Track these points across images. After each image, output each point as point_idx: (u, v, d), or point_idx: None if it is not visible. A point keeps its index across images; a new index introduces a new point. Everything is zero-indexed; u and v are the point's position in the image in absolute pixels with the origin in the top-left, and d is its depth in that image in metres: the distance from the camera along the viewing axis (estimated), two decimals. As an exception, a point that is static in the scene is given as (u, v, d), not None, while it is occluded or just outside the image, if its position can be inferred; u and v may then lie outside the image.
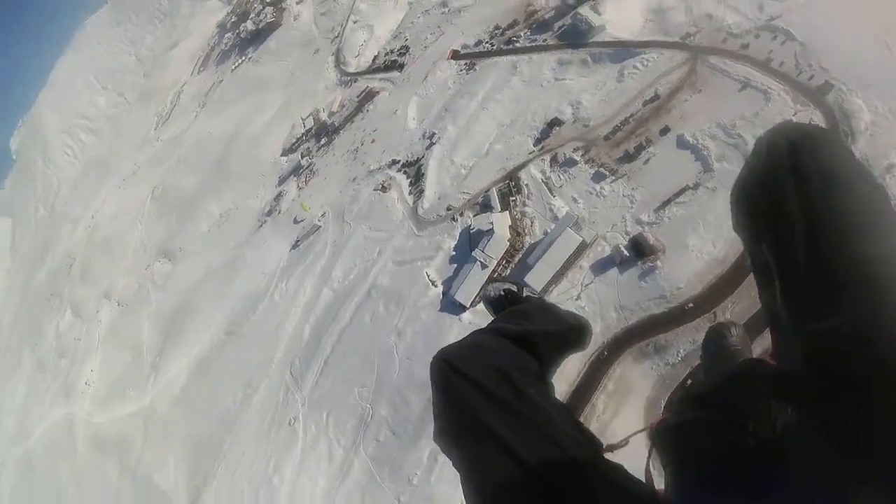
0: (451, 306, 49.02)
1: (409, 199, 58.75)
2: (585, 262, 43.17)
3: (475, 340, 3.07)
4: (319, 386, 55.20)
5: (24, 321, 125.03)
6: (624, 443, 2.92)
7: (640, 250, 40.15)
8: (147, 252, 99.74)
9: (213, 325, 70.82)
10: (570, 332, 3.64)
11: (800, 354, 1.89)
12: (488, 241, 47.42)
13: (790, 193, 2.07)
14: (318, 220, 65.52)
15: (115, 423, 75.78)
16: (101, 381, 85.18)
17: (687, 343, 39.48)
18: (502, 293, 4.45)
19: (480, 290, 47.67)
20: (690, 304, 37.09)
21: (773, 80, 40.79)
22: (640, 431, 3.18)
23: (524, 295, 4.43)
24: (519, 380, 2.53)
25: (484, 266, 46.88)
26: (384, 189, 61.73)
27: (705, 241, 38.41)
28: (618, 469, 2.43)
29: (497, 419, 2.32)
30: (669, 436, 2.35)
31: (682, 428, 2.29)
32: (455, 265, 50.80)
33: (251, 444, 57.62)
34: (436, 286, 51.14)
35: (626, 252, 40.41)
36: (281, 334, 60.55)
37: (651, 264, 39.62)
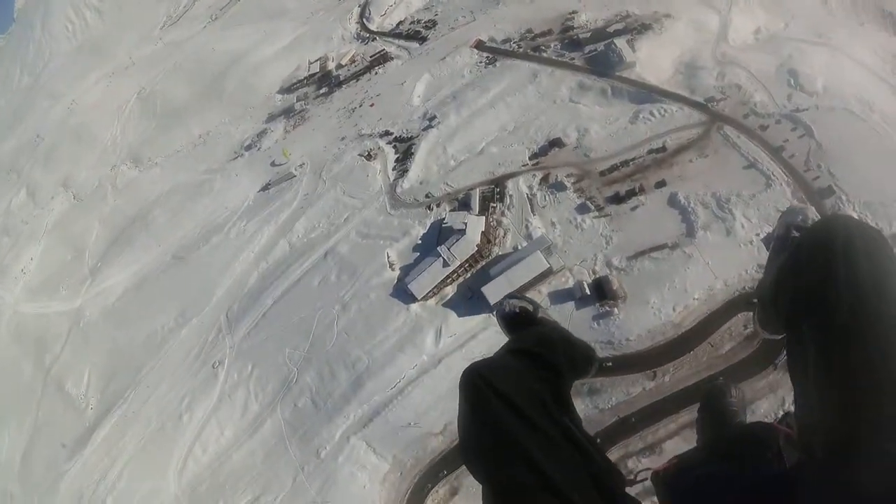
0: (403, 294, 47.90)
1: (391, 175, 57.20)
2: (545, 288, 42.72)
3: (509, 361, 3.13)
4: (251, 336, 53.63)
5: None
6: (636, 481, 3.15)
7: (601, 292, 40.22)
8: (117, 152, 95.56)
9: (163, 245, 68.24)
10: (584, 361, 3.92)
11: (823, 431, 2.17)
12: (457, 240, 46.35)
13: (841, 286, 2.22)
14: (295, 170, 63.29)
15: (40, 318, 72.68)
16: (37, 271, 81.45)
17: (620, 393, 39.57)
18: (517, 311, 4.51)
19: (435, 287, 46.78)
20: (609, 363, 37.65)
21: (779, 168, 40.97)
22: (646, 470, 3.34)
23: (539, 315, 4.51)
24: (554, 407, 2.70)
25: (446, 264, 45.82)
26: (369, 157, 59.80)
27: (666, 302, 38.45)
28: None
29: (534, 444, 2.43)
30: (682, 481, 2.86)
31: (700, 479, 2.79)
32: (418, 254, 49.56)
33: (170, 375, 55.99)
34: (393, 269, 49.89)
35: (587, 290, 40.41)
36: (227, 274, 58.64)
37: (608, 309, 39.73)
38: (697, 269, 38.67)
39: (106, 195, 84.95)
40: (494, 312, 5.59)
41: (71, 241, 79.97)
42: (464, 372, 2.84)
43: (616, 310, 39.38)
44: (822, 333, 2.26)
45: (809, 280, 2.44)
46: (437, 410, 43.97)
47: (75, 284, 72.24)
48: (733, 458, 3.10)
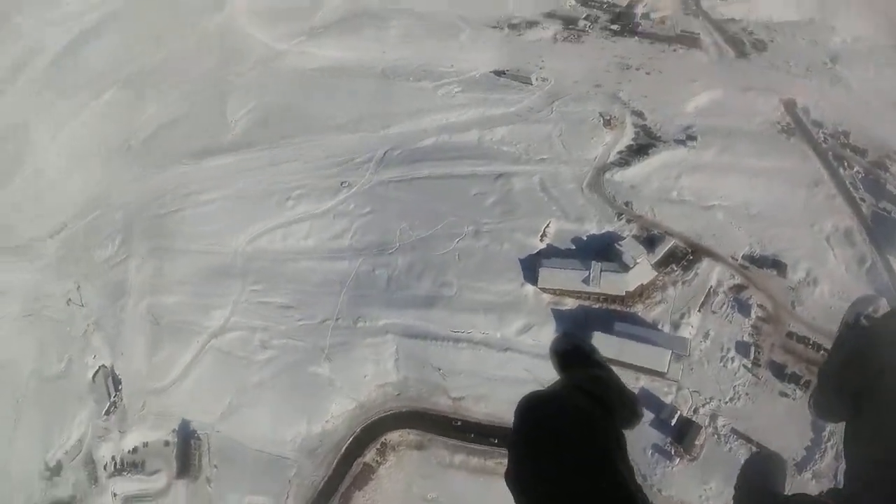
0: (529, 269, 45.03)
1: (613, 156, 51.46)
2: (644, 382, 38.35)
3: (570, 398, 3.29)
4: (389, 187, 53.33)
5: None
6: None
7: (682, 434, 36.43)
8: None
9: (385, 53, 67.68)
10: (632, 413, 4.37)
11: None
12: (615, 271, 41.89)
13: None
14: (535, 80, 59.77)
15: (245, 36, 74.29)
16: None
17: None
18: (571, 349, 4.73)
19: (559, 290, 42.95)
20: None
21: None
22: None
23: (594, 358, 4.64)
24: (611, 454, 2.74)
25: (585, 282, 41.36)
26: (607, 122, 54.74)
27: (717, 497, 35.09)
28: None
29: (578, 487, 2.48)
30: None
31: None
32: (573, 248, 44.99)
33: (305, 161, 57.43)
34: (541, 241, 46.02)
35: (673, 421, 36.97)
36: (411, 119, 58.17)
37: (674, 453, 36.24)
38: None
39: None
40: (551, 346, 5.26)
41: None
42: (522, 400, 2.96)
43: (678, 461, 35.92)
44: (887, 420, 2.49)
45: (878, 369, 2.74)
46: (467, 380, 43.26)
47: (291, 32, 73.92)
48: None
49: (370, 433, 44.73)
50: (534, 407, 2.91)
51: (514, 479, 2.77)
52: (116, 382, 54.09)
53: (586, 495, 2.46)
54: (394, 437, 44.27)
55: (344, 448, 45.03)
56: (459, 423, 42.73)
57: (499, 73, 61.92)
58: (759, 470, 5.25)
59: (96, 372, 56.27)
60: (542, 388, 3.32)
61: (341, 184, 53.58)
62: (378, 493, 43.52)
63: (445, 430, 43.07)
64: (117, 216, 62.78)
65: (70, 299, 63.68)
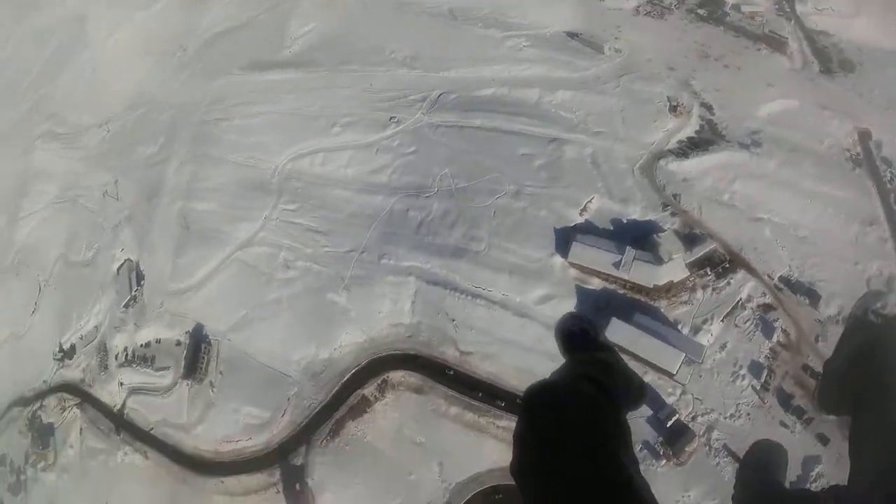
0: (562, 239, 44.51)
1: (671, 144, 49.08)
2: (651, 378, 38.07)
3: (575, 385, 3.29)
4: (437, 131, 52.79)
5: None
6: None
7: (675, 438, 36.48)
8: None
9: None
10: (637, 397, 4.31)
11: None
12: (648, 262, 41.12)
13: None
14: (608, 50, 56.92)
15: None
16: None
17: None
18: (577, 332, 4.72)
19: (588, 267, 41.81)
20: None
21: None
22: None
23: (600, 340, 4.70)
24: (616, 446, 2.77)
25: (615, 265, 41.04)
26: (673, 108, 52.24)
27: (696, 500, 35.54)
28: None
29: (595, 480, 2.51)
30: None
31: None
32: (610, 228, 43.55)
33: (355, 90, 56.24)
34: (581, 215, 44.83)
35: (670, 422, 37.09)
36: (472, 66, 56.15)
37: (662, 453, 36.51)
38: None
39: None
40: (557, 327, 5.18)
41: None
42: (528, 389, 2.92)
43: (664, 462, 36.22)
44: (892, 417, 2.48)
45: (888, 368, 2.69)
46: (478, 337, 43.17)
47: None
48: None
49: (374, 369, 45.13)
50: (540, 397, 2.88)
51: (519, 470, 2.77)
52: (139, 278, 55.25)
53: (588, 480, 2.46)
54: (396, 376, 44.51)
55: (346, 378, 45.54)
56: (452, 373, 43.00)
57: (571, 35, 59.24)
58: (761, 459, 5.27)
59: (121, 265, 57.57)
60: (547, 378, 3.36)
61: (390, 119, 52.66)
62: (370, 426, 44.06)
63: (447, 379, 43.17)
64: (163, 117, 63.15)
65: (106, 192, 64.81)
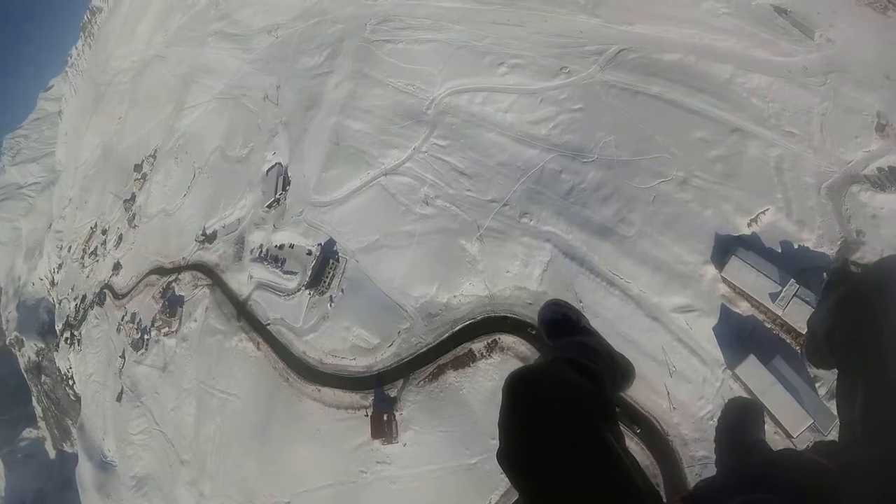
0: (720, 248, 39.54)
1: (869, 170, 41.56)
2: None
3: (558, 371, 3.20)
4: (611, 88, 47.90)
5: None
6: None
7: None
8: None
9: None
10: (623, 378, 4.38)
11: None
12: (808, 302, 32.07)
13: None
14: (818, 39, 47.44)
15: None
16: None
17: None
18: (560, 317, 4.67)
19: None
20: (638, 430, 32.28)
21: None
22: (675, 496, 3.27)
23: (581, 325, 4.65)
24: (601, 424, 2.71)
25: (772, 297, 36.35)
26: (882, 128, 43.48)
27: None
28: None
29: (579, 461, 2.48)
30: None
31: None
32: (777, 249, 40.01)
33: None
34: (749, 225, 41.07)
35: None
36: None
37: None
38: None
39: None
40: (539, 316, 5.21)
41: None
42: (509, 377, 2.80)
43: None
44: (877, 373, 2.48)
45: (867, 318, 2.66)
46: (600, 326, 35.91)
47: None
48: (770, 487, 3.14)
49: (487, 326, 44.05)
50: (522, 383, 2.74)
51: (505, 458, 2.69)
52: (286, 182, 57.79)
53: (576, 466, 2.44)
54: (508, 340, 43.33)
55: (458, 327, 44.89)
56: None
57: (779, 11, 51.29)
58: (736, 415, 5.43)
59: (272, 167, 60.52)
60: (530, 364, 3.37)
61: (561, 68, 49.07)
62: (469, 381, 43.69)
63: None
64: (332, 30, 63.98)
65: (267, 95, 67.85)
